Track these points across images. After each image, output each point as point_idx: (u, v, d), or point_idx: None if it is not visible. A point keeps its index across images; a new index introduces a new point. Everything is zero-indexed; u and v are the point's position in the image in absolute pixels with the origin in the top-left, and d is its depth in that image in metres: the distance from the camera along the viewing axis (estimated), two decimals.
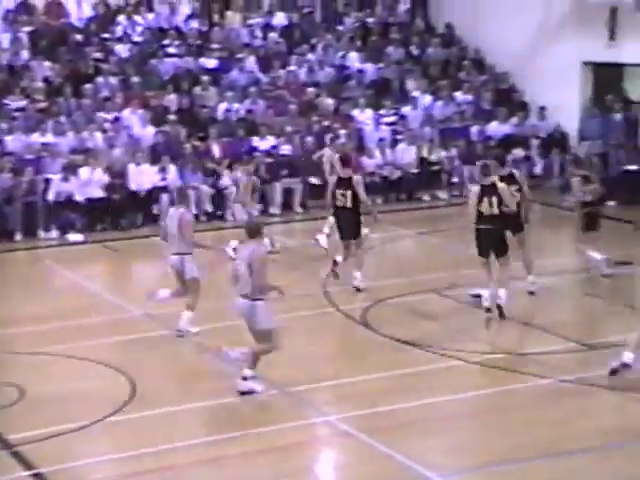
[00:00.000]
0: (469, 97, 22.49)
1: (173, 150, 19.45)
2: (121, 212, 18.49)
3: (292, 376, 10.92)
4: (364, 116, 21.43)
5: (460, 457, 9.26)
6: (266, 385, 10.67)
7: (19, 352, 12.00)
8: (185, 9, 23.35)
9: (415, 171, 20.69)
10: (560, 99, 21.53)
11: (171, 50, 21.98)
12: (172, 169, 18.98)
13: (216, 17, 23.39)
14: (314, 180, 19.64)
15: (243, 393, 10.44)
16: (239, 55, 22.28)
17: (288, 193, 19.67)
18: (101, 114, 19.82)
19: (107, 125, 19.61)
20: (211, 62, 21.96)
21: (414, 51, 23.81)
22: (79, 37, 21.71)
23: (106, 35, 22.05)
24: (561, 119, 21.76)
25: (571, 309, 13.35)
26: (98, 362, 11.51)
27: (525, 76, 22.64)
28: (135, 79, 20.87)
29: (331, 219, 15.10)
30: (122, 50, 21.70)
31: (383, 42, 23.72)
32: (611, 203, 19.89)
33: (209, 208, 19.09)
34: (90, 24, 22.19)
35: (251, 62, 22.14)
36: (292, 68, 22.33)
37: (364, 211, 14.25)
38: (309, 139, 20.21)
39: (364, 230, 14.44)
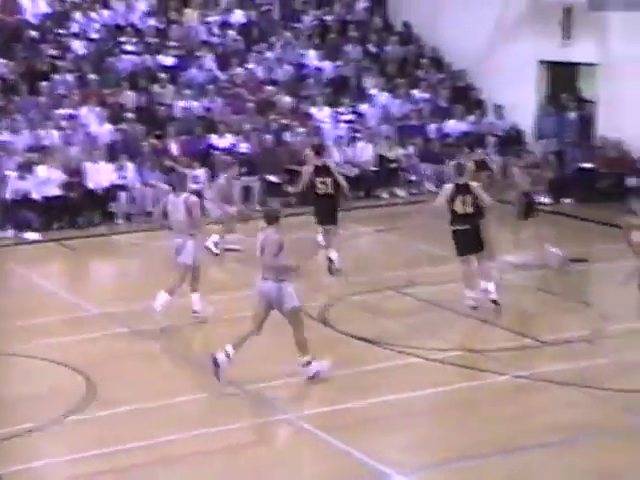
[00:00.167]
0: (427, 95, 22.63)
1: (131, 148, 19.35)
2: (78, 210, 18.35)
3: (251, 374, 10.92)
4: (322, 114, 21.48)
5: (419, 454, 9.32)
6: (224, 383, 10.67)
7: None
8: (142, 6, 23.21)
9: (373, 169, 20.77)
10: (516, 97, 21.73)
11: (128, 47, 21.86)
12: (130, 167, 18.89)
13: (173, 14, 23.26)
14: (272, 178, 19.65)
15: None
16: (197, 53, 22.20)
17: (246, 191, 19.65)
18: (57, 112, 19.66)
19: (64, 123, 19.46)
20: (169, 60, 21.87)
21: (372, 49, 23.89)
22: (34, 34, 21.50)
23: (62, 32, 21.87)
24: (517, 117, 21.97)
25: (526, 306, 13.48)
26: (55, 361, 11.43)
27: (482, 74, 22.81)
28: (92, 76, 20.73)
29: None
30: (79, 47, 21.55)
31: (341, 40, 23.77)
32: (567, 200, 20.18)
33: None
34: (46, 21, 21.99)
35: (209, 60, 22.09)
36: (250, 66, 22.31)
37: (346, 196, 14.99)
38: (267, 137, 20.21)
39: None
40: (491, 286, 13.05)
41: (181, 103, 20.70)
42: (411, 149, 21.31)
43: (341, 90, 22.37)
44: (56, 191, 18.22)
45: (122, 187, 18.64)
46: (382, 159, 20.95)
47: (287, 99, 21.60)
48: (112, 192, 18.59)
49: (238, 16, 23.75)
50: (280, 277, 10.56)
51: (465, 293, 13.09)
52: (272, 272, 10.57)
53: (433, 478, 8.95)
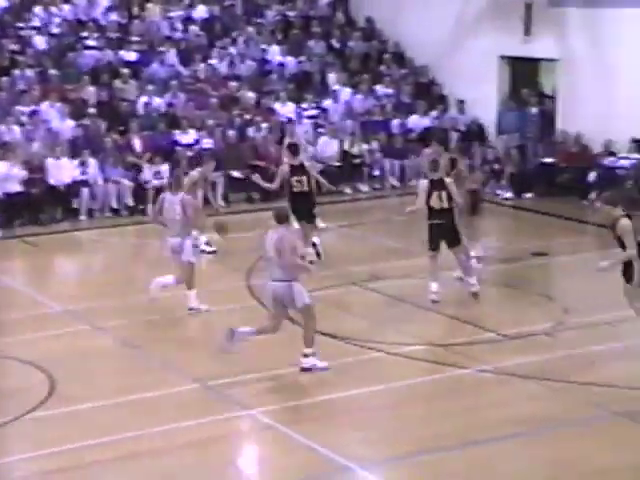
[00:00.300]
0: (390, 91, 22.69)
1: (93, 144, 19.24)
2: (40, 207, 18.22)
3: (213, 370, 10.93)
4: (286, 109, 21.48)
5: (382, 448, 9.38)
6: (187, 380, 10.67)
7: None
8: (104, 1, 23.07)
9: (337, 164, 20.80)
10: (478, 93, 21.85)
11: (90, 42, 21.71)
12: (92, 163, 18.79)
13: (136, 9, 23.16)
14: (236, 174, 19.63)
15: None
16: (159, 48, 22.11)
17: (211, 187, 19.55)
18: (18, 107, 19.49)
19: (24, 118, 19.30)
20: (131, 55, 21.75)
21: (335, 45, 23.93)
22: None
23: (22, 26, 21.69)
24: (479, 112, 22.09)
25: (489, 300, 13.57)
26: (18, 359, 11.36)
27: (444, 70, 22.92)
28: (53, 72, 20.58)
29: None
30: (39, 42, 21.39)
31: (304, 36, 23.79)
32: (528, 195, 20.35)
33: (130, 202, 18.94)
34: (5, 15, 21.80)
35: (172, 55, 21.99)
36: (213, 61, 22.25)
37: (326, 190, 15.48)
38: (231, 133, 20.17)
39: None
40: (472, 280, 13.25)
41: (143, 99, 20.61)
42: (374, 144, 21.38)
43: (304, 86, 22.38)
44: (17, 187, 18.07)
45: (84, 183, 18.54)
46: (345, 154, 20.99)
47: (250, 95, 21.58)
48: (74, 188, 18.49)
49: (201, 11, 23.69)
50: (291, 276, 10.62)
51: (430, 287, 13.18)
52: (284, 272, 10.60)
53: (396, 471, 9.00)
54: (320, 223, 15.52)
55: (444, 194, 13.06)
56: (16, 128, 19.01)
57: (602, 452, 9.08)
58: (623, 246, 10.74)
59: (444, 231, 13.18)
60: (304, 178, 14.79)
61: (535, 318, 12.73)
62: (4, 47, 20.89)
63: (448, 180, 13.32)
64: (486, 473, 8.82)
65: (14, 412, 9.87)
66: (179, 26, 23.11)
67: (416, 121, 22.06)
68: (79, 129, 19.52)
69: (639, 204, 12.94)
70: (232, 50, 22.68)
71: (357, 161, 21.08)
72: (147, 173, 19.10)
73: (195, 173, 15.77)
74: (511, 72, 22.20)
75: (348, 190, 20.77)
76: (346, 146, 21.09)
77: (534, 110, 21.39)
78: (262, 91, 21.86)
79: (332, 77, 22.68)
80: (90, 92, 20.48)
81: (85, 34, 21.89)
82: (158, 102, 20.68)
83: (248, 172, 18.74)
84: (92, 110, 19.89)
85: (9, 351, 11.59)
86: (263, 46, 23.05)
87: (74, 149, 18.95)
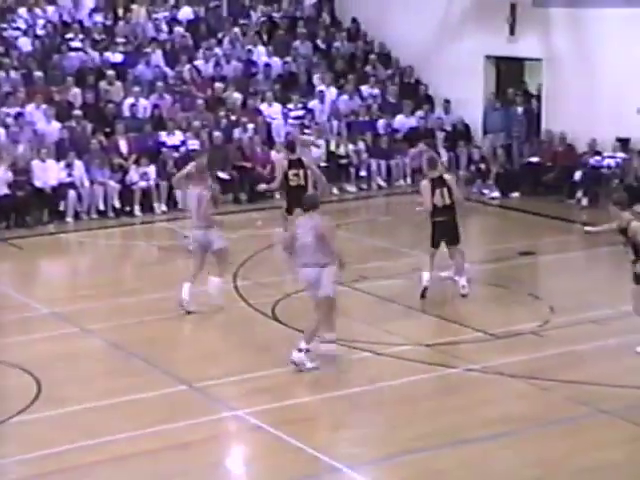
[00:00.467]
0: (375, 91, 22.71)
1: (79, 146, 19.18)
2: (26, 209, 18.15)
3: (201, 371, 10.93)
4: (272, 110, 21.47)
5: (369, 447, 9.39)
6: (174, 381, 10.66)
7: None
8: (89, 3, 23.02)
9: (323, 165, 20.78)
10: (464, 92, 21.90)
11: (75, 44, 21.65)
12: (78, 165, 18.73)
13: (121, 11, 23.11)
14: (222, 175, 19.60)
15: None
16: (145, 49, 22.07)
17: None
18: (3, 109, 19.42)
19: (10, 121, 19.23)
20: (116, 56, 21.70)
21: (321, 45, 23.93)
22: None
23: (7, 28, 21.62)
24: (465, 112, 22.13)
25: (476, 299, 13.59)
26: (4, 362, 11.32)
27: (429, 70, 22.95)
28: (38, 73, 20.51)
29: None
30: (24, 44, 21.31)
31: (290, 36, 23.79)
32: (514, 194, 20.40)
33: (117, 204, 18.90)
34: None
35: (157, 57, 21.96)
36: (199, 62, 22.23)
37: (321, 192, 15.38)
38: (217, 134, 20.15)
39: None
40: (463, 280, 13.29)
41: (129, 100, 20.57)
42: (360, 145, 21.39)
43: (290, 86, 22.38)
44: (3, 190, 17.99)
45: (70, 185, 18.49)
46: (332, 155, 21.00)
47: (236, 95, 21.56)
48: (60, 190, 18.43)
49: (186, 12, 23.66)
50: (324, 261, 10.75)
51: (422, 275, 13.28)
52: (319, 256, 10.73)
53: (384, 472, 9.01)
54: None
55: (445, 191, 13.22)
56: (1, 130, 18.94)
57: (589, 450, 9.11)
58: (635, 247, 10.83)
59: (446, 229, 13.32)
60: (301, 172, 15.00)
61: (522, 317, 12.76)
62: None
63: (448, 176, 13.55)
64: (474, 472, 8.84)
65: (1, 415, 9.83)
66: (164, 27, 23.07)
67: (402, 121, 22.08)
68: (65, 131, 19.45)
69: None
70: (218, 51, 22.66)
71: (343, 161, 21.07)
72: (133, 175, 19.07)
73: (190, 168, 15.88)
74: (496, 72, 22.26)
75: (335, 190, 20.76)
76: (332, 147, 21.10)
77: (520, 109, 21.44)
78: (248, 92, 21.84)
79: (318, 78, 22.69)
80: (75, 94, 20.42)
81: (70, 36, 21.82)
82: (144, 103, 20.64)
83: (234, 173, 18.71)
84: (78, 112, 19.83)
85: None
86: (249, 47, 23.03)
87: (60, 151, 18.89)
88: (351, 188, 20.98)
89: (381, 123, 21.99)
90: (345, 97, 22.28)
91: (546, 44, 20.78)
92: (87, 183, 18.69)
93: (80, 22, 22.40)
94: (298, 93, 22.06)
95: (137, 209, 18.94)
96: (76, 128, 19.57)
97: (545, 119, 21.11)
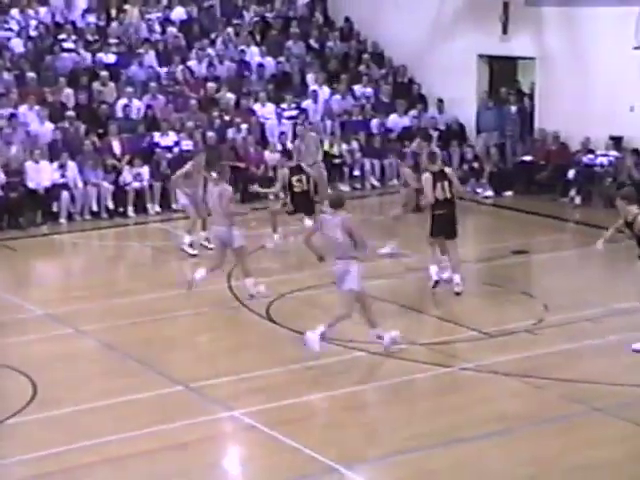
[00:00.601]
0: (369, 90, 22.74)
1: (72, 147, 19.18)
2: (19, 210, 18.15)
3: (196, 372, 10.94)
4: (265, 110, 21.48)
5: (366, 447, 9.40)
6: (170, 382, 10.66)
7: None
8: (81, 3, 22.99)
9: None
10: (457, 92, 21.94)
11: (68, 45, 21.63)
12: (71, 166, 18.73)
13: (113, 12, 23.09)
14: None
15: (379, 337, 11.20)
16: (138, 50, 22.06)
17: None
18: None
19: (2, 122, 19.20)
20: (109, 57, 21.68)
21: (314, 45, 23.94)
22: None
23: None
24: (458, 111, 22.17)
25: (470, 298, 13.62)
26: None
27: (423, 69, 22.98)
28: (31, 75, 20.49)
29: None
30: (17, 45, 21.29)
31: (283, 36, 23.79)
32: (508, 193, 20.44)
33: (110, 205, 18.90)
34: None
35: (150, 57, 21.96)
36: (192, 63, 22.23)
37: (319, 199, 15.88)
38: (210, 134, 20.14)
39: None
40: (457, 277, 13.38)
41: (122, 101, 20.55)
42: (354, 144, 21.41)
43: (284, 86, 22.39)
44: None
45: (64, 186, 18.48)
46: (325, 155, 21.00)
47: (229, 96, 21.56)
48: (54, 191, 18.42)
49: (179, 13, 23.64)
50: (349, 255, 10.97)
51: (430, 270, 13.44)
52: (342, 251, 10.95)
53: (379, 471, 9.03)
54: (307, 221, 15.62)
55: (446, 184, 13.35)
56: None
57: (583, 448, 9.13)
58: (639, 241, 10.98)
59: (446, 222, 13.42)
60: (303, 177, 15.68)
61: (516, 316, 12.79)
62: None
63: (448, 170, 13.72)
64: (469, 471, 8.86)
65: None
66: (157, 28, 23.06)
67: (395, 121, 22.10)
68: (58, 132, 19.44)
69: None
70: (211, 51, 22.66)
71: (337, 161, 21.10)
72: (127, 175, 19.06)
73: (189, 167, 15.98)
74: (489, 71, 22.30)
75: (328, 190, 20.75)
76: (326, 146, 21.11)
77: (513, 108, 21.48)
78: (241, 92, 21.85)
79: (311, 77, 22.70)
80: (68, 95, 20.41)
81: (63, 36, 21.80)
82: (137, 104, 20.63)
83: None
84: (71, 113, 19.82)
85: None
86: (242, 47, 23.03)
87: (53, 152, 18.89)
88: (345, 188, 20.98)
89: (374, 123, 22.01)
90: (338, 97, 22.30)
91: (539, 43, 20.82)
92: (80, 184, 18.69)
93: (73, 23, 22.38)
94: (291, 93, 22.07)
95: (130, 210, 18.95)
96: (69, 129, 19.56)
97: (538, 118, 21.15)
